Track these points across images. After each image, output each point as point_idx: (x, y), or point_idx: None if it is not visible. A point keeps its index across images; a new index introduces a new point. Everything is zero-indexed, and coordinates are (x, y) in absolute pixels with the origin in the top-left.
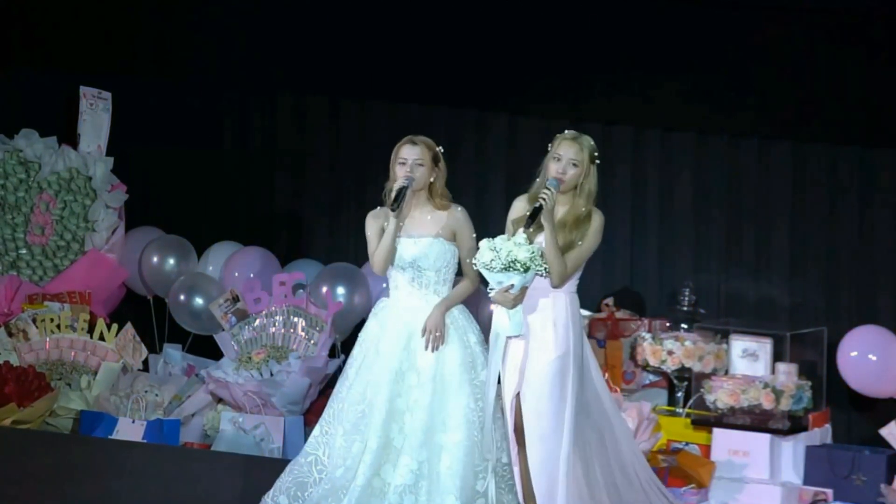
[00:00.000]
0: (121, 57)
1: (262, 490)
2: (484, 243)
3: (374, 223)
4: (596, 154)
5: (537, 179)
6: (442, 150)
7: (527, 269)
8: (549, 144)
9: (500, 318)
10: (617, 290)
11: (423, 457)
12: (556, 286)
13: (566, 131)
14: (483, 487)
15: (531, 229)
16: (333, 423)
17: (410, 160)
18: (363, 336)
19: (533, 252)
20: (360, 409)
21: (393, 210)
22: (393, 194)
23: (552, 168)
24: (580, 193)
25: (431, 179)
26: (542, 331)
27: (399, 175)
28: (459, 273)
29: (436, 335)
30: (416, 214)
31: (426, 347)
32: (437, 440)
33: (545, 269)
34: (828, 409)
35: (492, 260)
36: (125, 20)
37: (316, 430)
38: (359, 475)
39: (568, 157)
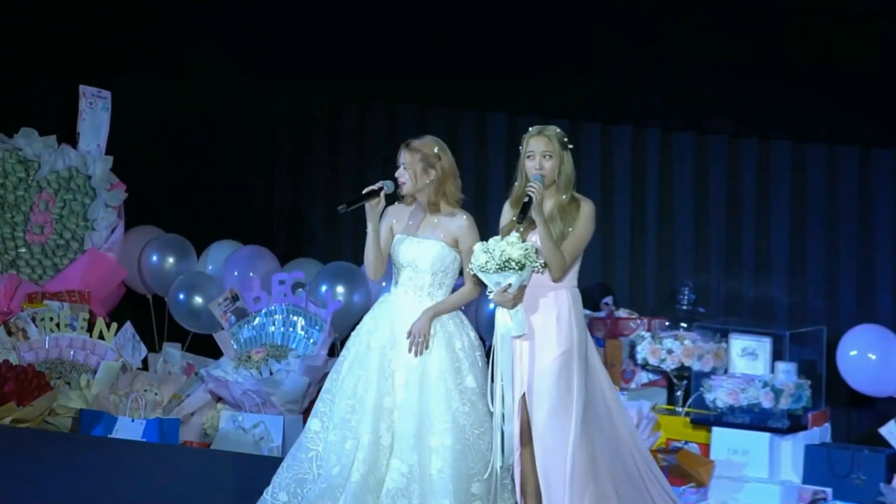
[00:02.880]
0: (120, 56)
1: (262, 489)
2: (477, 247)
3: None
4: (565, 140)
5: (516, 183)
6: (437, 151)
7: (522, 267)
8: (520, 146)
9: (503, 319)
10: (616, 289)
11: (413, 460)
12: (556, 279)
13: (531, 128)
14: (479, 489)
15: (524, 225)
16: (325, 417)
17: (401, 165)
18: (357, 330)
19: (526, 249)
20: (350, 403)
21: (338, 208)
22: (363, 191)
23: (528, 166)
24: (560, 181)
25: (427, 181)
26: (546, 328)
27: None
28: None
29: (419, 340)
30: (422, 216)
31: (409, 350)
32: (427, 444)
33: (541, 265)
34: (827, 408)
35: (486, 262)
36: (124, 19)
37: (315, 426)
38: (353, 472)
39: (539, 150)
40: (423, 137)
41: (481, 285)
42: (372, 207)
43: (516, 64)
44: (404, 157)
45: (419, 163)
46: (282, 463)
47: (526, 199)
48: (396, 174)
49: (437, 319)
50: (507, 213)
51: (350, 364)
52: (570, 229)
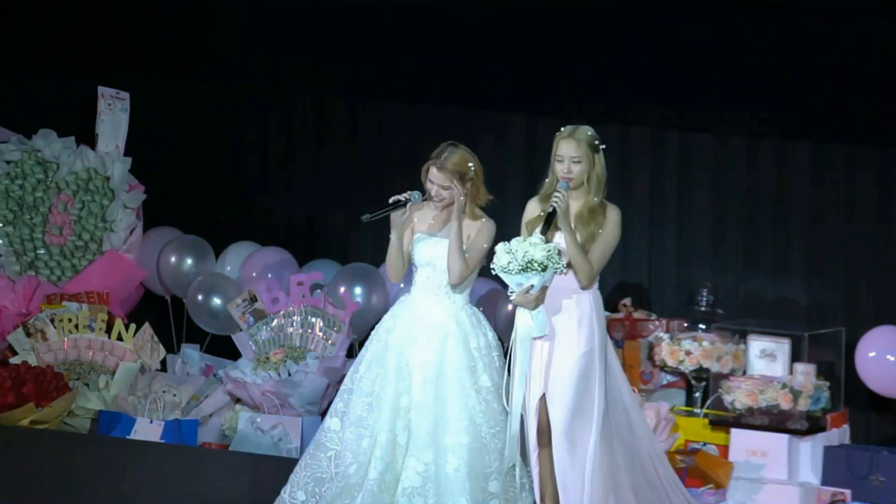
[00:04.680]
0: (139, 57)
1: (280, 490)
2: (500, 247)
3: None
4: (597, 142)
5: (546, 180)
6: (472, 167)
7: (544, 269)
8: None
9: (524, 319)
10: (635, 291)
11: (429, 458)
12: (585, 287)
13: (562, 129)
14: (496, 488)
15: (547, 234)
16: (343, 416)
17: (436, 184)
18: (376, 330)
19: (549, 251)
20: (367, 401)
21: (362, 217)
22: (389, 200)
23: (558, 169)
24: (590, 184)
25: (465, 193)
26: (567, 330)
27: (431, 194)
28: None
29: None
30: (443, 216)
31: None
32: (443, 442)
33: (563, 266)
34: (846, 410)
35: (509, 262)
36: (144, 20)
37: (335, 425)
38: (371, 469)
39: (569, 155)
40: (450, 153)
41: (501, 283)
42: (396, 217)
43: (535, 65)
44: (440, 178)
45: (459, 182)
46: (299, 461)
47: (550, 209)
48: (434, 194)
49: (455, 316)
50: (533, 209)
51: (368, 363)
52: (600, 231)
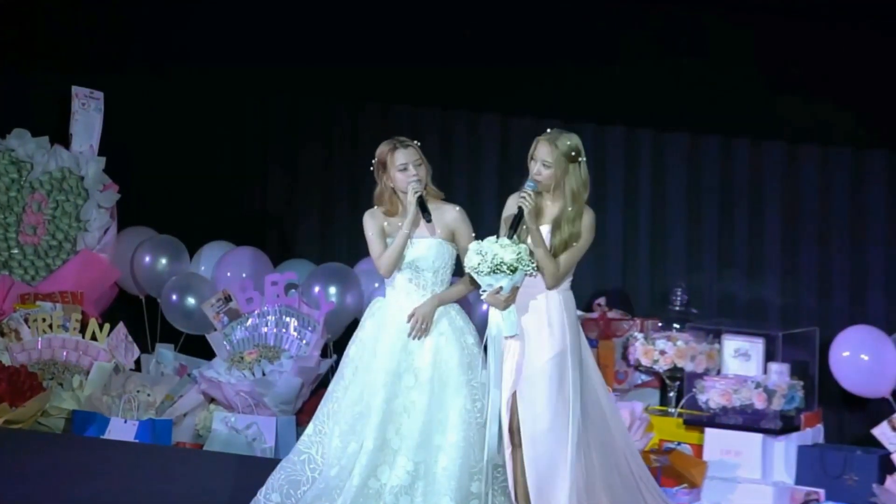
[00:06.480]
0: (113, 56)
1: (255, 490)
2: (472, 247)
3: (374, 223)
4: (574, 153)
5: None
6: (419, 144)
7: (514, 270)
8: None
9: (495, 319)
10: (609, 290)
11: (420, 458)
12: (550, 287)
13: (548, 130)
14: (478, 488)
15: (514, 237)
16: (328, 423)
17: (411, 163)
18: (360, 336)
19: (519, 253)
20: (357, 410)
21: (427, 220)
22: (416, 205)
23: (530, 168)
24: (562, 193)
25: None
26: (538, 330)
27: (403, 180)
28: (459, 273)
29: (420, 325)
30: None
31: (408, 334)
32: (435, 441)
33: (533, 268)
34: (820, 409)
35: (479, 263)
36: (117, 19)
37: (309, 429)
38: (354, 475)
39: (541, 157)
40: (398, 138)
41: (474, 281)
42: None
43: (509, 65)
44: (411, 154)
45: (422, 157)
46: (278, 464)
47: (516, 212)
48: (412, 173)
49: (447, 315)
50: (513, 205)
51: (354, 370)
52: (575, 244)
